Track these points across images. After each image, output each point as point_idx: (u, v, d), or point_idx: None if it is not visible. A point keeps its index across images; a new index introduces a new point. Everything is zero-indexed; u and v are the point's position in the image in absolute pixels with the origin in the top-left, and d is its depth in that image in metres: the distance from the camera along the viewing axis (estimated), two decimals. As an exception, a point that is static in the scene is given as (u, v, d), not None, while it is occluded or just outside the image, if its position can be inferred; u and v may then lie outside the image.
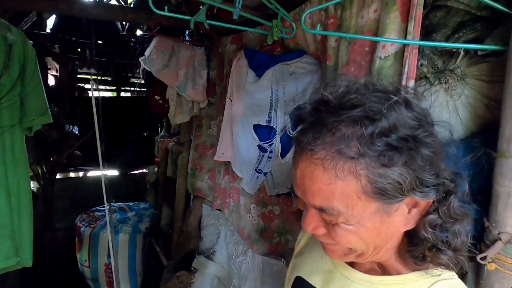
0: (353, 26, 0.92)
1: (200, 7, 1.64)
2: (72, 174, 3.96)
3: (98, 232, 2.33)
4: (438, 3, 0.91)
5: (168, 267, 2.44)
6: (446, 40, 0.93)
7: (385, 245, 0.51)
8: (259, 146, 1.39)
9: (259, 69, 1.37)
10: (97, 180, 2.14)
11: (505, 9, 0.64)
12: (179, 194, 2.58)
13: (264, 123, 1.36)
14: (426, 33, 0.98)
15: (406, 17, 0.77)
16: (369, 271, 0.57)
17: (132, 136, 4.53)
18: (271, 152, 1.34)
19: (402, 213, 0.48)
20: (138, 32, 3.35)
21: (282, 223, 1.46)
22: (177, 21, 1.34)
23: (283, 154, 1.30)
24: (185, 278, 2.11)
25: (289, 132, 1.31)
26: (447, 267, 0.50)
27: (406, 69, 0.74)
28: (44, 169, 3.06)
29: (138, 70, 3.57)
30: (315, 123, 0.46)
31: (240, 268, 1.76)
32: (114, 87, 4.72)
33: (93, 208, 2.67)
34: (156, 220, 2.79)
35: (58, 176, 3.51)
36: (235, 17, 0.97)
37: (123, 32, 3.38)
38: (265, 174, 1.40)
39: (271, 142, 1.33)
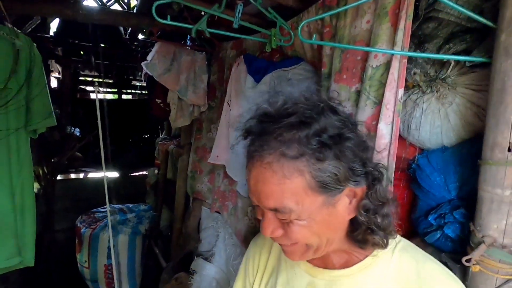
0: (346, 35, 0.95)
1: (202, 13, 1.69)
2: (73, 176, 4.00)
3: (98, 233, 2.36)
4: (430, 14, 0.95)
5: (167, 268, 2.46)
6: (438, 50, 0.96)
7: (335, 236, 0.57)
8: (257, 150, 1.42)
9: (257, 75, 1.40)
10: (98, 181, 2.17)
11: (489, 23, 0.68)
12: (179, 196, 2.61)
13: (262, 128, 1.39)
14: (419, 43, 1.01)
15: (395, 28, 0.80)
16: (345, 265, 0.61)
17: (133, 138, 4.57)
18: (268, 156, 1.37)
19: (344, 204, 0.55)
20: (140, 36, 3.41)
21: (279, 226, 1.49)
22: (179, 26, 1.38)
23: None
24: (184, 279, 2.13)
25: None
26: (381, 247, 0.57)
27: (396, 78, 0.77)
28: (45, 170, 3.10)
29: (139, 73, 3.62)
30: (261, 132, 0.53)
31: (237, 271, 1.78)
32: (116, 90, 4.77)
33: (94, 210, 2.69)
34: (155, 222, 2.81)
35: (59, 177, 3.55)
36: (235, 25, 1.01)
37: (126, 35, 3.43)
38: (262, 177, 1.42)
39: (269, 146, 1.35)
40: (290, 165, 0.50)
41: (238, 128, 0.61)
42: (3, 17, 1.16)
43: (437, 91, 0.97)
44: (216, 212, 2.04)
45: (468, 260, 0.63)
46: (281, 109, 0.54)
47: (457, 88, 0.93)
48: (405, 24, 0.75)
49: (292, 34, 1.13)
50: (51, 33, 3.16)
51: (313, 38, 0.84)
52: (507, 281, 0.59)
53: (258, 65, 1.41)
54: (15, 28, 1.22)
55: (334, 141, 0.50)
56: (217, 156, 1.68)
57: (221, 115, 1.65)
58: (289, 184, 0.50)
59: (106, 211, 2.34)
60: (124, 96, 4.91)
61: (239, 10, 0.98)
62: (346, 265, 0.61)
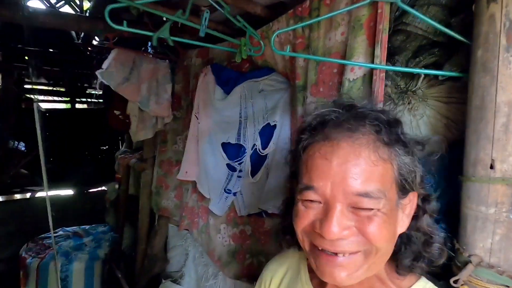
0: (321, 47, 0.92)
1: (164, 19, 1.58)
2: (17, 196, 3.54)
3: (48, 262, 2.08)
4: (399, 27, 0.96)
5: (131, 294, 2.25)
6: (407, 63, 0.97)
7: (391, 250, 0.52)
8: (227, 165, 1.34)
9: (227, 86, 1.33)
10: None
11: (462, 39, 0.68)
12: (143, 214, 2.42)
13: (233, 141, 1.32)
14: (389, 55, 1.02)
15: (372, 41, 0.78)
16: None
17: (89, 151, 4.20)
18: (240, 171, 1.30)
19: (401, 215, 0.52)
20: (96, 41, 3.15)
21: (254, 244, 1.41)
22: (139, 33, 1.27)
23: (253, 173, 1.26)
24: (151, 306, 1.96)
25: (259, 151, 1.27)
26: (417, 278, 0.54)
27: (375, 92, 0.75)
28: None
29: (95, 81, 3.35)
30: (350, 118, 0.51)
31: (210, 292, 1.67)
32: (68, 99, 4.37)
33: (42, 235, 2.39)
34: (116, 243, 2.57)
35: (0, 198, 3.12)
36: (201, 34, 0.93)
37: (79, 40, 3.15)
38: (234, 194, 1.34)
39: (241, 161, 1.28)
40: (385, 150, 0.49)
41: (308, 115, 0.57)
42: None
43: (408, 103, 0.98)
44: (185, 229, 1.91)
45: (455, 281, 0.61)
46: (366, 103, 0.55)
47: (427, 100, 0.94)
48: (382, 37, 0.73)
49: (263, 44, 1.08)
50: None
51: (287, 50, 0.79)
52: (496, 301, 0.58)
53: (227, 76, 1.33)
54: None
55: (414, 141, 0.52)
56: (186, 172, 1.57)
57: (189, 128, 1.54)
58: (381, 168, 0.48)
59: (57, 235, 2.08)
60: (78, 106, 4.52)
61: (206, 18, 0.90)
62: None
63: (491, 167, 0.57)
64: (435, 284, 0.56)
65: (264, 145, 1.21)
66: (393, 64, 0.98)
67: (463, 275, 0.59)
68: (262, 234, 1.38)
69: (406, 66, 0.95)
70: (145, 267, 2.36)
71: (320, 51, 0.93)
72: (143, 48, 2.06)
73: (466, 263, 0.60)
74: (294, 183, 0.58)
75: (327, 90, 0.91)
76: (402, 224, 0.52)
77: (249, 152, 1.27)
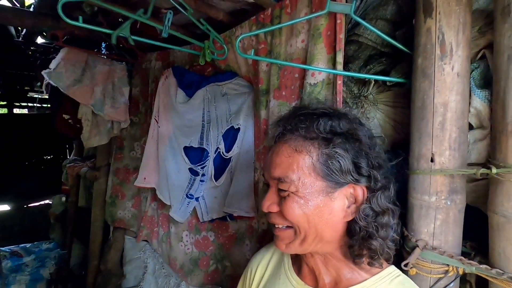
0: (283, 53, 0.97)
1: (120, 19, 1.51)
2: None
3: (-21, 288, 1.81)
4: (352, 38, 1.05)
5: (81, 317, 2.05)
6: (359, 70, 1.06)
7: (327, 233, 0.59)
8: (190, 169, 1.31)
9: (189, 89, 1.31)
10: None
11: (405, 49, 0.77)
12: (95, 226, 2.23)
13: (196, 145, 1.30)
14: (344, 63, 1.11)
15: (330, 48, 0.85)
16: (334, 286, 0.62)
17: (30, 161, 3.78)
18: (203, 175, 1.28)
19: (342, 204, 0.59)
20: (40, 40, 2.88)
21: (218, 249, 1.39)
22: (92, 31, 1.19)
23: (216, 177, 1.25)
24: (104, 326, 1.80)
25: (223, 154, 1.27)
26: (376, 266, 0.60)
27: (336, 95, 0.81)
28: None
29: (38, 84, 3.05)
30: (289, 119, 0.63)
31: (172, 304, 1.59)
32: (5, 102, 3.90)
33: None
34: (64, 261, 2.33)
35: None
36: (164, 35, 0.91)
37: (19, 38, 2.85)
38: (196, 199, 1.32)
39: (204, 165, 1.27)
40: (303, 144, 0.59)
41: (273, 123, 0.70)
42: None
43: (361, 107, 1.07)
44: (143, 240, 1.81)
45: (406, 265, 0.67)
46: (309, 104, 0.66)
47: (377, 104, 1.04)
48: (343, 45, 0.80)
49: (226, 48, 1.09)
50: None
51: (252, 54, 0.82)
52: (438, 280, 0.65)
53: (189, 79, 1.32)
54: None
55: (344, 134, 0.59)
56: (145, 178, 1.50)
57: (148, 133, 1.48)
58: (296, 158, 0.58)
59: (-10, 257, 1.83)
60: (16, 110, 4.05)
61: (169, 18, 0.89)
62: (336, 286, 0.62)
63: (432, 160, 0.65)
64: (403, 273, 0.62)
65: (228, 148, 1.21)
66: (348, 71, 1.07)
67: (412, 259, 0.66)
68: (226, 238, 1.36)
69: (359, 73, 1.04)
70: (97, 285, 2.17)
71: (282, 57, 0.97)
72: (96, 49, 1.94)
73: (414, 247, 0.66)
74: None
75: (289, 94, 0.96)
76: (347, 214, 0.59)
77: (212, 155, 1.26)
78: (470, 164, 0.67)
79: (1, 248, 2.15)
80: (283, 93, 0.97)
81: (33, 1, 1.92)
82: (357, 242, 0.58)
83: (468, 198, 0.69)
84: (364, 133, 0.62)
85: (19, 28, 2.75)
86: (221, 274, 1.37)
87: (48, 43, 2.49)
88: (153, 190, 1.63)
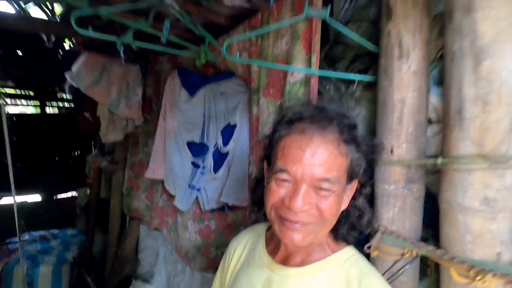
0: (270, 54, 1.05)
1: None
2: (-21, 203, 3.39)
3: (13, 266, 2.03)
4: (339, 39, 1.11)
5: (101, 297, 2.24)
6: (346, 69, 1.12)
7: (334, 222, 0.65)
8: (192, 162, 1.43)
9: (192, 89, 1.42)
10: (12, 208, 1.89)
11: (373, 49, 0.82)
12: (114, 216, 2.42)
13: (197, 140, 1.41)
14: (332, 62, 1.17)
15: (308, 49, 0.92)
16: (300, 264, 0.68)
17: (59, 157, 4.10)
18: (204, 167, 1.39)
19: (345, 196, 0.65)
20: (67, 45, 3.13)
21: (218, 237, 1.50)
22: (103, 38, 1.33)
23: (215, 170, 1.36)
24: (120, 306, 1.97)
25: (221, 148, 1.38)
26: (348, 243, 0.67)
27: (310, 93, 0.88)
28: None
29: (65, 85, 3.31)
30: (322, 117, 0.62)
31: (178, 287, 1.72)
32: (37, 103, 4.26)
33: (6, 240, 2.33)
34: (86, 247, 2.55)
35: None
36: (162, 41, 1.02)
37: (49, 43, 3.12)
38: (198, 189, 1.43)
39: (204, 158, 1.37)
40: (344, 146, 0.61)
41: (284, 113, 0.67)
42: None
43: (347, 105, 1.13)
44: (155, 229, 1.96)
45: (368, 247, 0.73)
46: (335, 108, 0.66)
47: (361, 102, 1.09)
48: (316, 47, 0.87)
49: (222, 50, 1.19)
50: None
51: (237, 57, 0.91)
52: (396, 261, 0.71)
53: (192, 79, 1.43)
54: None
55: (365, 141, 0.65)
56: (154, 170, 1.64)
57: (157, 129, 1.62)
58: (339, 161, 0.60)
59: (24, 239, 2.05)
60: (48, 110, 4.40)
61: (167, 27, 1.00)
62: (301, 264, 0.67)
63: (391, 152, 0.71)
64: (359, 252, 0.69)
65: (225, 143, 1.31)
66: (335, 71, 1.13)
67: (373, 242, 0.72)
68: (225, 227, 1.47)
69: (345, 73, 1.10)
70: (115, 269, 2.35)
71: (270, 58, 1.05)
72: (116, 53, 2.11)
73: (376, 232, 0.73)
74: (266, 164, 0.71)
75: (276, 92, 1.04)
76: (345, 204, 0.66)
77: (211, 150, 1.36)
78: (431, 157, 0.72)
79: (33, 233, 2.40)
80: (271, 91, 1.05)
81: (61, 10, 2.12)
82: (351, 224, 0.66)
83: (433, 189, 0.74)
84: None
85: (48, 35, 3.01)
86: (220, 259, 1.47)
87: (74, 48, 2.72)
88: (163, 183, 1.77)
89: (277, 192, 0.62)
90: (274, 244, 0.77)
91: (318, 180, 0.59)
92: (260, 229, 0.83)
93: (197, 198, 1.48)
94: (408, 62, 0.68)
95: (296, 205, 0.59)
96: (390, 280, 0.71)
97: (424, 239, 0.72)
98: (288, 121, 0.64)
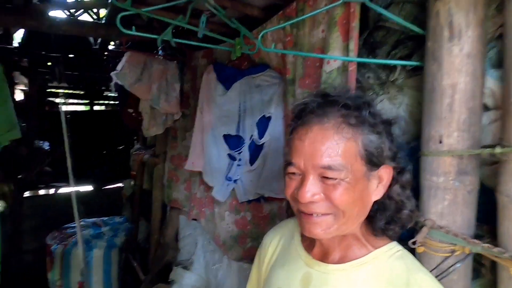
0: (306, 43, 1.03)
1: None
2: (42, 192, 3.81)
3: (71, 249, 2.27)
4: (379, 24, 1.05)
5: (145, 281, 2.41)
6: (387, 56, 1.06)
7: (362, 214, 0.62)
8: (228, 154, 1.46)
9: (227, 82, 1.45)
10: (68, 197, 2.10)
11: (420, 31, 0.77)
12: (156, 206, 2.58)
13: (233, 133, 1.44)
14: (371, 49, 1.11)
15: (346, 36, 0.88)
16: (340, 261, 0.65)
17: (107, 150, 4.44)
18: (240, 160, 1.42)
19: (374, 184, 0.61)
20: (111, 46, 3.35)
21: (254, 228, 1.52)
22: (145, 37, 1.41)
23: (251, 162, 1.38)
24: (162, 290, 2.10)
25: (256, 141, 1.39)
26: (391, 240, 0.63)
27: (348, 82, 0.85)
28: (12, 188, 2.94)
29: (111, 83, 3.56)
30: (322, 104, 0.61)
31: (216, 276, 1.79)
32: (87, 101, 4.63)
33: (65, 225, 2.59)
34: (132, 234, 2.75)
35: (27, 194, 3.37)
36: (199, 36, 1.05)
37: (96, 45, 3.37)
38: (235, 181, 1.46)
39: (240, 151, 1.40)
40: (349, 130, 0.57)
41: (292, 108, 0.67)
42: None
43: (388, 93, 1.07)
44: (193, 219, 2.05)
45: (414, 243, 0.70)
46: (341, 91, 0.64)
47: (404, 89, 1.03)
48: (354, 34, 0.83)
49: (257, 42, 1.19)
50: (16, 44, 3.04)
51: (272, 47, 0.90)
52: (446, 258, 0.66)
53: (227, 73, 1.46)
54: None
55: (382, 121, 0.61)
56: (193, 163, 1.71)
57: (195, 123, 1.68)
58: (345, 145, 0.57)
59: (77, 226, 2.26)
60: (96, 107, 4.78)
61: (203, 21, 1.02)
62: (342, 261, 0.65)
63: (440, 142, 0.66)
64: (404, 248, 0.65)
65: (261, 136, 1.32)
66: (374, 58, 1.07)
67: (419, 237, 0.68)
68: (261, 219, 1.49)
69: (386, 59, 1.04)
70: (158, 256, 2.51)
71: (306, 47, 1.03)
72: (155, 51, 2.22)
73: (422, 226, 0.69)
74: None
75: (312, 82, 1.02)
76: (377, 193, 0.62)
77: (247, 142, 1.38)
78: (487, 146, 0.66)
79: (86, 220, 2.64)
80: (307, 81, 1.03)
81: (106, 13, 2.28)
82: (388, 217, 0.63)
83: (488, 182, 0.68)
84: (385, 118, 0.64)
85: (95, 37, 3.23)
86: (257, 250, 1.50)
87: (117, 48, 2.90)
88: (201, 174, 1.84)
89: (290, 185, 0.62)
90: (309, 240, 0.74)
91: (320, 168, 0.57)
92: (294, 223, 0.80)
93: (234, 189, 1.52)
94: (460, 43, 0.62)
95: (302, 196, 0.58)
96: (439, 277, 0.66)
97: (478, 237, 0.67)
98: (296, 115, 0.64)
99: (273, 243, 0.81)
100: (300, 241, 0.75)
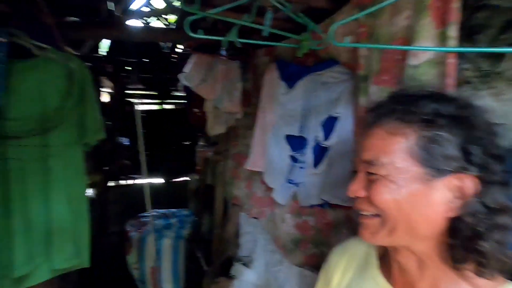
0: (384, 34, 0.90)
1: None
2: (122, 182, 4.33)
3: (145, 237, 2.51)
4: (483, 2, 0.86)
5: (208, 272, 2.53)
6: (491, 41, 0.86)
7: (421, 226, 0.53)
8: (291, 156, 1.40)
9: (290, 80, 1.38)
10: (142, 187, 2.32)
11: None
12: (218, 201, 2.67)
13: (296, 133, 1.37)
14: (468, 35, 0.92)
15: (440, 22, 0.73)
16: None
17: (175, 146, 4.81)
18: (303, 162, 1.34)
19: (443, 197, 0.51)
20: (179, 48, 3.59)
21: (317, 235, 1.44)
22: (213, 39, 1.44)
23: (315, 165, 1.29)
24: (224, 284, 2.17)
25: (321, 142, 1.30)
26: (490, 265, 0.49)
27: (446, 77, 0.70)
28: (100, 178, 3.40)
29: (179, 84, 3.82)
30: (387, 104, 0.60)
31: (276, 278, 1.76)
32: (159, 101, 5.08)
33: (140, 214, 2.88)
34: (197, 227, 2.91)
35: (111, 183, 3.87)
36: (265, 34, 1.01)
37: (166, 49, 3.64)
38: (297, 184, 1.40)
39: (303, 152, 1.32)
40: (399, 126, 0.54)
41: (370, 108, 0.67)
42: (59, 43, 1.31)
43: (493, 88, 0.87)
44: (254, 217, 2.05)
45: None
46: (408, 88, 0.62)
47: (517, 83, 0.82)
48: (454, 16, 0.68)
49: (325, 37, 1.10)
50: (103, 52, 3.48)
51: (347, 41, 0.81)
52: None
53: (290, 71, 1.39)
54: (69, 52, 1.36)
55: (451, 117, 0.51)
56: (254, 162, 1.70)
57: (256, 122, 1.66)
58: (389, 141, 0.54)
59: (151, 215, 2.49)
60: (166, 106, 5.21)
61: (269, 18, 0.98)
62: None
63: None
64: None
65: (326, 137, 1.22)
66: (474, 45, 0.88)
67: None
68: (324, 225, 1.39)
69: (490, 46, 0.85)
70: (219, 250, 2.61)
71: (384, 38, 0.90)
72: (218, 51, 2.28)
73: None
74: None
75: (391, 78, 0.88)
76: (449, 209, 0.50)
77: (311, 143, 1.30)
78: None
79: (158, 210, 2.90)
80: (384, 77, 0.90)
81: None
82: (461, 243, 0.50)
83: None
84: (481, 119, 0.53)
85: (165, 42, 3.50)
86: (319, 258, 1.41)
87: (185, 50, 3.09)
88: (262, 173, 1.83)
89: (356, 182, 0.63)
90: (386, 265, 0.65)
91: (364, 163, 0.57)
92: (368, 244, 0.70)
93: (295, 192, 1.46)
94: None
95: (348, 189, 0.59)
96: None
97: None
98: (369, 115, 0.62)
99: (341, 264, 0.72)
100: (377, 267, 0.65)
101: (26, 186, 1.25)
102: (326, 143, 1.22)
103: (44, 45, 1.24)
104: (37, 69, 1.24)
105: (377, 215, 0.57)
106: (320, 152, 1.27)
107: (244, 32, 1.50)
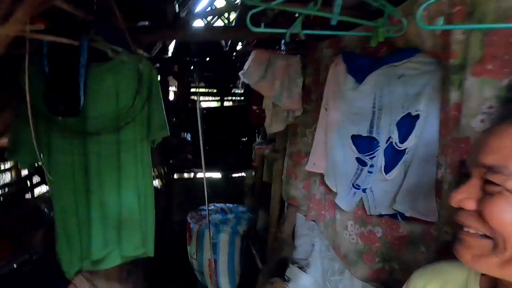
0: (492, 11, 0.71)
1: (296, 15, 1.63)
2: (185, 175, 4.61)
3: (204, 230, 2.61)
4: None
5: (263, 271, 2.51)
6: None
7: None
8: (357, 158, 1.26)
9: (360, 74, 1.24)
10: (202, 181, 2.41)
11: None
12: (274, 200, 2.63)
13: (364, 134, 1.22)
14: None
15: None
16: None
17: (233, 142, 4.93)
18: (372, 166, 1.19)
19: None
20: (239, 46, 3.63)
21: (385, 248, 1.27)
22: (274, 33, 1.38)
23: (387, 170, 1.13)
24: (279, 286, 2.12)
25: (396, 144, 1.13)
26: None
27: None
28: (165, 170, 3.66)
29: (238, 82, 3.87)
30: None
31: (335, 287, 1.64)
32: (219, 98, 5.26)
33: (200, 207, 3.00)
34: (252, 223, 2.92)
35: (175, 176, 4.14)
36: (333, 23, 0.90)
37: (226, 47, 3.72)
38: (363, 190, 1.25)
39: (373, 155, 1.17)
40: None
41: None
42: (131, 46, 1.40)
43: None
44: (311, 220, 1.95)
45: None
46: None
47: None
48: None
49: (405, 21, 0.93)
50: (169, 54, 3.73)
51: (440, 23, 0.66)
52: None
53: (360, 63, 1.24)
54: (139, 54, 1.45)
55: None
56: (314, 163, 1.59)
57: (318, 121, 1.55)
58: None
59: (210, 209, 2.57)
60: (225, 103, 5.37)
61: (338, 5, 0.87)
62: None
63: None
64: None
65: (403, 139, 1.05)
66: None
67: None
68: (396, 238, 1.22)
69: None
70: (274, 249, 2.57)
71: (491, 17, 0.71)
72: (277, 46, 2.21)
73: None
74: None
75: (499, 66, 0.70)
76: None
77: (383, 145, 1.14)
78: None
79: (216, 205, 2.99)
80: (488, 66, 0.72)
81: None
82: None
83: None
84: None
85: (226, 40, 3.57)
86: (388, 274, 1.25)
87: (244, 47, 3.10)
88: (321, 175, 1.71)
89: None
90: None
91: (484, 168, 0.45)
92: (467, 273, 0.56)
93: (362, 198, 1.31)
94: None
95: (451, 195, 0.48)
96: None
97: None
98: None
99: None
100: None
101: (103, 178, 1.38)
102: (402, 146, 1.05)
103: (119, 48, 1.33)
104: (112, 71, 1.35)
105: (487, 236, 0.45)
106: (394, 156, 1.10)
107: (305, 24, 1.40)
